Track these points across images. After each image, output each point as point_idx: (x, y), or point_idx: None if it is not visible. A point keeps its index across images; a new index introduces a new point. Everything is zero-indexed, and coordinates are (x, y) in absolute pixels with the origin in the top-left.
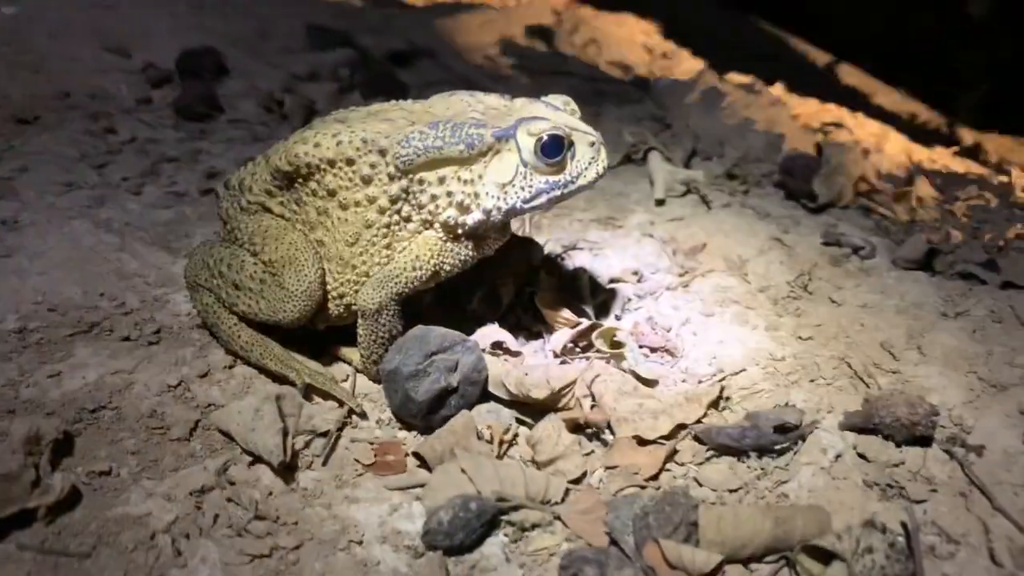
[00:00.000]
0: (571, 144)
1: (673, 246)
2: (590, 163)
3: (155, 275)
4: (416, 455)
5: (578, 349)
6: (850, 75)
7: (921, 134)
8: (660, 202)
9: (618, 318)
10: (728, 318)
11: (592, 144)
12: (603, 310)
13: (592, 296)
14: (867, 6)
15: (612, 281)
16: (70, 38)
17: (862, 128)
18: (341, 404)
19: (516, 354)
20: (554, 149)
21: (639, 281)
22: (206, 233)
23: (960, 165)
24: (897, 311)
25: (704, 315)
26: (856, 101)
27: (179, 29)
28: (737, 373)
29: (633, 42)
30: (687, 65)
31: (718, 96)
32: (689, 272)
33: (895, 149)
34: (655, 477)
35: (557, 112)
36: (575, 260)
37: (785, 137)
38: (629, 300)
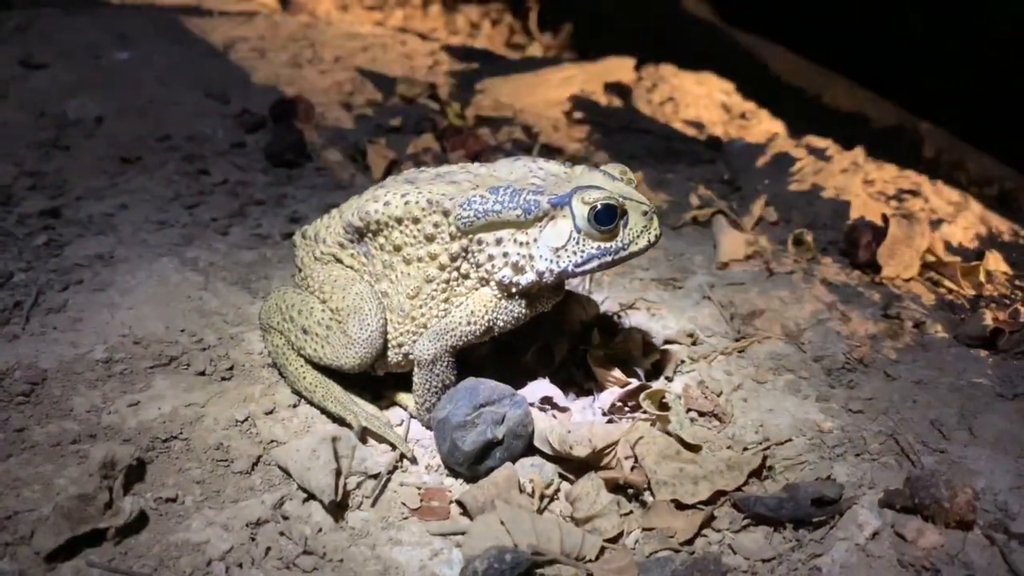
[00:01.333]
0: (624, 213)
1: (731, 311)
2: (642, 231)
3: (233, 314)
4: (459, 503)
5: (626, 408)
6: (936, 138)
7: (1005, 203)
8: (723, 265)
9: (669, 380)
10: (780, 386)
11: (645, 213)
12: (655, 371)
13: (645, 356)
14: (958, 63)
15: (667, 342)
16: (175, 83)
17: (939, 196)
18: (394, 448)
19: (564, 410)
20: (607, 217)
21: (694, 344)
22: (284, 275)
23: None
24: (951, 389)
25: (756, 381)
26: (939, 167)
27: (274, 79)
28: (783, 443)
29: (712, 100)
30: (764, 126)
31: (788, 160)
32: (745, 337)
33: (971, 220)
34: (690, 542)
35: (614, 182)
36: (631, 319)
37: (851, 205)
38: (682, 362)
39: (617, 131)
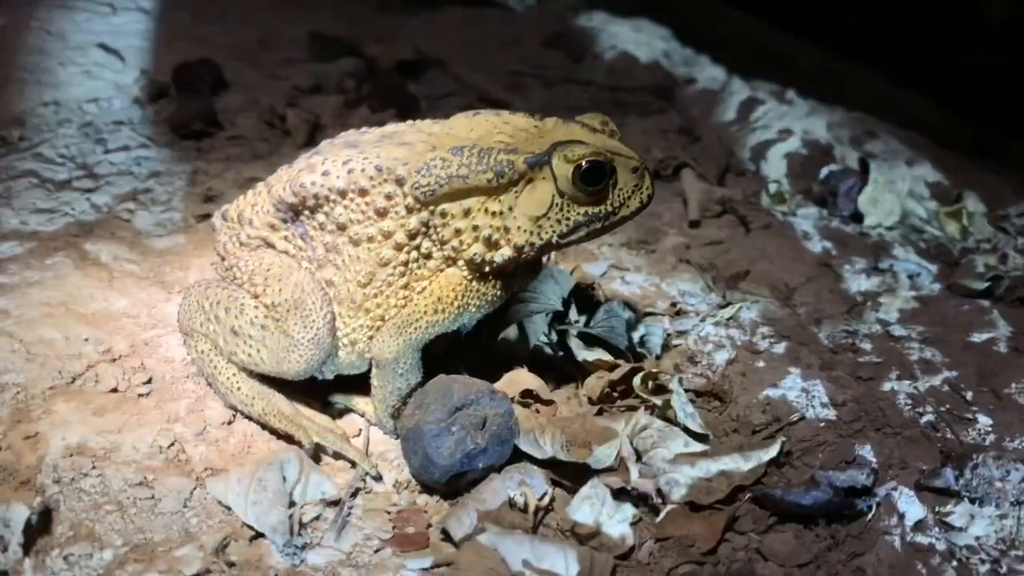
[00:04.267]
0: (613, 170)
1: (712, 273)
2: (633, 191)
3: (146, 315)
4: (441, 529)
5: (616, 395)
6: (867, 80)
7: (954, 145)
8: (695, 223)
9: (657, 357)
10: (779, 355)
11: (635, 170)
12: (640, 348)
13: (627, 332)
14: (879, 8)
15: (648, 314)
16: (63, 49)
17: (897, 138)
18: (354, 465)
19: (549, 403)
20: (594, 177)
21: (677, 313)
22: (203, 265)
23: (997, 177)
24: (962, 347)
25: (752, 352)
26: (883, 109)
27: (176, 39)
28: (795, 422)
29: (652, 47)
30: (708, 72)
31: (746, 106)
32: (732, 303)
33: (940, 162)
34: (713, 550)
35: (594, 134)
36: (606, 290)
37: (822, 150)
38: (668, 335)
39: (556, 83)
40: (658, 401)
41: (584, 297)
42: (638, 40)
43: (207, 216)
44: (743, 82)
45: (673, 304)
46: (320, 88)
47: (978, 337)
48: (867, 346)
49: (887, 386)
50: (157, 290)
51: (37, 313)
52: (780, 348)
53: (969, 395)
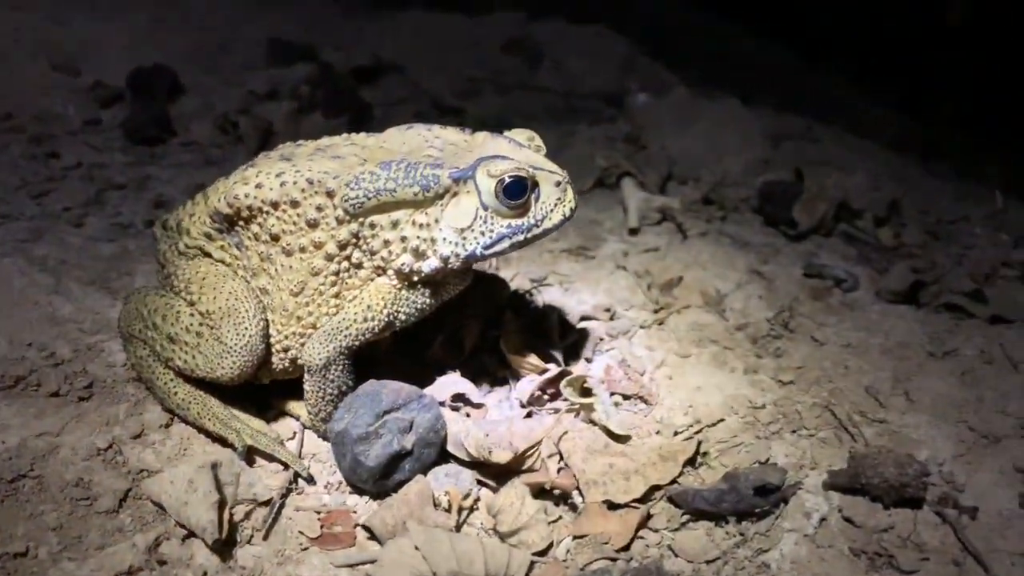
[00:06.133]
0: (535, 185)
1: (648, 280)
2: (556, 204)
3: (90, 321)
4: (366, 527)
5: (546, 398)
6: (825, 82)
7: (903, 148)
8: (634, 231)
9: (589, 361)
10: (705, 359)
11: (558, 184)
12: (573, 352)
13: (561, 337)
14: (841, 10)
15: (583, 319)
16: (13, 54)
17: (839, 143)
18: (286, 467)
19: (479, 407)
20: (516, 191)
21: (611, 319)
22: (149, 271)
23: (938, 182)
24: (882, 351)
25: (680, 356)
26: (837, 114)
27: (132, 45)
28: (715, 424)
29: (609, 55)
30: (660, 80)
31: (691, 114)
32: (665, 308)
33: (877, 167)
34: (627, 547)
35: (521, 149)
36: (545, 296)
37: (764, 160)
38: (601, 340)
39: (512, 90)
40: (583, 403)
41: (520, 302)
42: (595, 47)
43: (155, 222)
44: (692, 90)
45: (607, 309)
46: (276, 94)
47: (897, 342)
48: (791, 351)
49: (806, 389)
50: (103, 296)
51: None
52: (707, 353)
53: (882, 398)
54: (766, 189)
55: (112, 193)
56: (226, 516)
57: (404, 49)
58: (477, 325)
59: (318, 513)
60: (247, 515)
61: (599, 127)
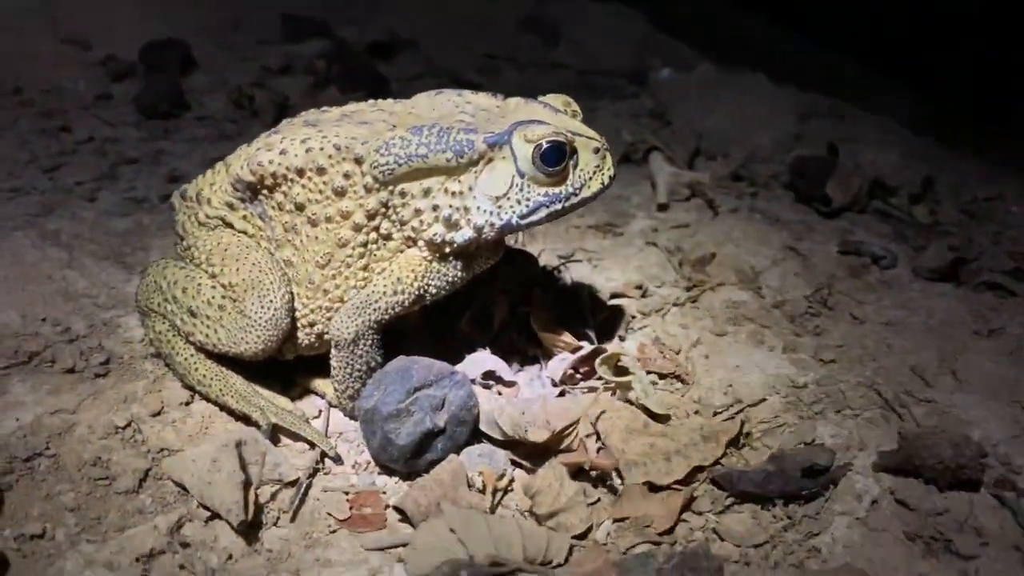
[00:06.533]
0: (574, 151)
1: (679, 256)
2: (595, 172)
3: (105, 295)
4: (397, 508)
5: (579, 376)
6: (842, 66)
7: (923, 130)
8: (663, 206)
9: (622, 339)
10: (743, 338)
11: (597, 151)
12: (605, 330)
13: (592, 314)
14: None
15: (614, 296)
16: (22, 26)
17: (865, 123)
18: (312, 446)
19: (511, 385)
20: (555, 157)
21: (643, 296)
22: (165, 246)
23: (966, 163)
24: (925, 329)
25: (716, 335)
26: (856, 95)
27: (144, 19)
28: (756, 404)
29: (627, 33)
30: (682, 57)
31: (718, 90)
32: (698, 286)
33: (905, 147)
34: (670, 531)
35: (557, 114)
36: (573, 273)
37: (794, 135)
38: (633, 318)
39: (529, 67)
40: (620, 382)
41: (549, 279)
42: (613, 25)
43: (169, 197)
44: (715, 67)
45: (638, 287)
46: (290, 69)
47: (940, 320)
48: (831, 329)
49: (849, 368)
50: (118, 270)
51: None
52: (744, 331)
53: (928, 377)
54: (798, 165)
55: (125, 168)
56: (251, 497)
57: (419, 25)
58: (506, 301)
59: (346, 494)
60: (273, 496)
61: (623, 103)
